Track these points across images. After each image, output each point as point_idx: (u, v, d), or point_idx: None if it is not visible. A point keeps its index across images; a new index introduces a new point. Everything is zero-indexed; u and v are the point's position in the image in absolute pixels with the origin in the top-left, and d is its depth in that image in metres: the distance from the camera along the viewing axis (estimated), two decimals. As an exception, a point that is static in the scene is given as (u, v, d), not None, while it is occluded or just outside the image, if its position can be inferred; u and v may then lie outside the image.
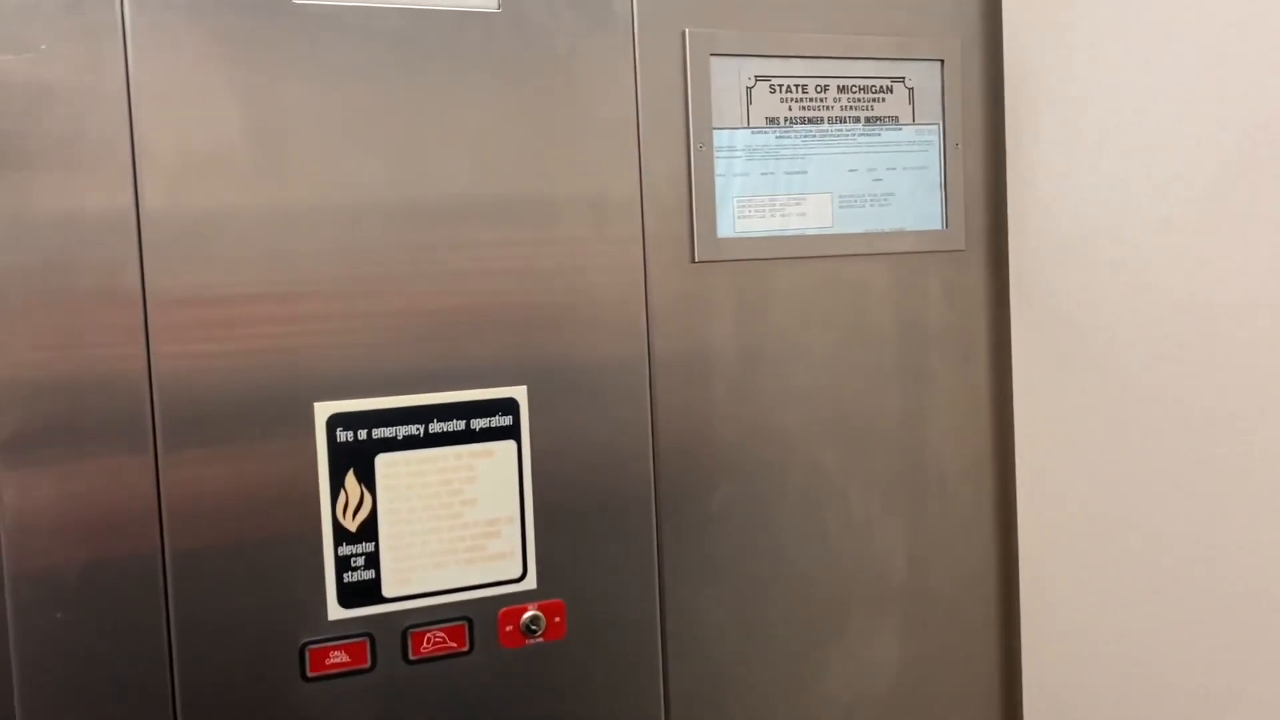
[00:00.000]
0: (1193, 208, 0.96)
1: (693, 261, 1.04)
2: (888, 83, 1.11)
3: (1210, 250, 0.95)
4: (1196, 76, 0.95)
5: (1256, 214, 0.91)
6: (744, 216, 1.05)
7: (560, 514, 0.99)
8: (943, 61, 1.12)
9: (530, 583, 0.98)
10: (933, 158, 1.13)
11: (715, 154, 1.04)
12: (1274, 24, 0.89)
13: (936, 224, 1.13)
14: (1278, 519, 0.92)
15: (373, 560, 0.92)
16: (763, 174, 1.06)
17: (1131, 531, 1.04)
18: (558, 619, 0.99)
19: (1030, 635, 1.16)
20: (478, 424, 0.95)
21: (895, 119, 1.11)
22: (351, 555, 0.92)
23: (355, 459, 0.91)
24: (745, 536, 1.07)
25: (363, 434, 0.92)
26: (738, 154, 1.05)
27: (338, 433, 0.91)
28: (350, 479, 0.91)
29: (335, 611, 0.92)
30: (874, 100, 1.10)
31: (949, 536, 1.16)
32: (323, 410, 0.90)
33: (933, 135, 1.13)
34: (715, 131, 1.04)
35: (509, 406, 0.96)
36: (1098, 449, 1.06)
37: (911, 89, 1.12)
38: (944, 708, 1.17)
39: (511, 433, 0.96)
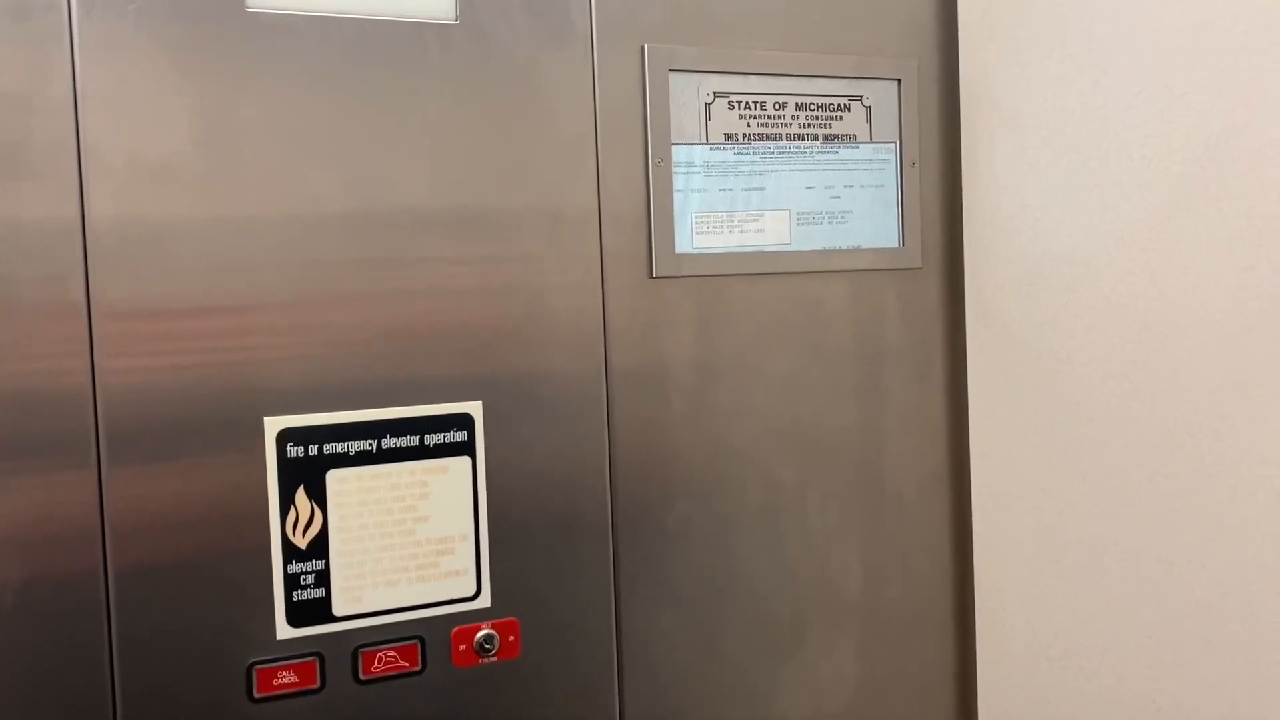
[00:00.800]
0: (1145, 225, 0.97)
1: (651, 277, 1.03)
2: (845, 101, 1.11)
3: (1163, 267, 0.96)
4: (1148, 96, 0.96)
5: (1208, 232, 0.92)
6: (702, 232, 1.05)
7: (515, 531, 0.98)
8: (899, 81, 1.13)
9: (484, 601, 0.97)
10: (889, 176, 1.14)
11: (674, 170, 1.04)
12: (1221, 45, 0.91)
13: (893, 242, 1.14)
14: (1230, 534, 0.93)
15: (323, 578, 0.91)
16: (721, 190, 1.06)
17: (1086, 547, 1.05)
18: (512, 638, 0.98)
19: (985, 650, 1.16)
20: (432, 440, 0.94)
21: (853, 137, 1.12)
22: (301, 573, 0.90)
23: (306, 475, 0.90)
24: (702, 553, 1.07)
25: (314, 449, 0.90)
26: (696, 170, 1.05)
27: (288, 448, 0.89)
28: (301, 495, 0.90)
29: (284, 630, 0.90)
30: (832, 118, 1.11)
31: (905, 552, 1.16)
32: (273, 425, 0.89)
33: (889, 153, 1.14)
34: (674, 147, 1.04)
35: (464, 422, 0.95)
36: (1052, 465, 1.07)
37: (869, 107, 1.12)
38: (899, 724, 1.17)
39: (466, 449, 0.95)
